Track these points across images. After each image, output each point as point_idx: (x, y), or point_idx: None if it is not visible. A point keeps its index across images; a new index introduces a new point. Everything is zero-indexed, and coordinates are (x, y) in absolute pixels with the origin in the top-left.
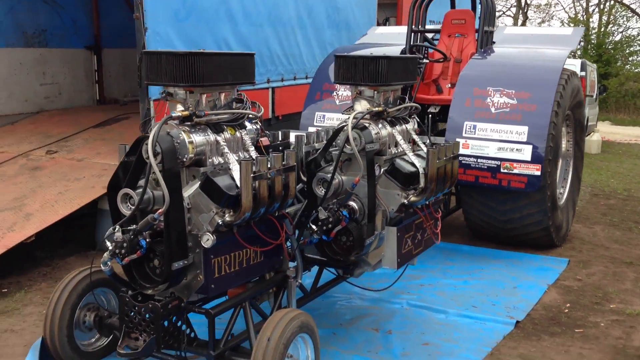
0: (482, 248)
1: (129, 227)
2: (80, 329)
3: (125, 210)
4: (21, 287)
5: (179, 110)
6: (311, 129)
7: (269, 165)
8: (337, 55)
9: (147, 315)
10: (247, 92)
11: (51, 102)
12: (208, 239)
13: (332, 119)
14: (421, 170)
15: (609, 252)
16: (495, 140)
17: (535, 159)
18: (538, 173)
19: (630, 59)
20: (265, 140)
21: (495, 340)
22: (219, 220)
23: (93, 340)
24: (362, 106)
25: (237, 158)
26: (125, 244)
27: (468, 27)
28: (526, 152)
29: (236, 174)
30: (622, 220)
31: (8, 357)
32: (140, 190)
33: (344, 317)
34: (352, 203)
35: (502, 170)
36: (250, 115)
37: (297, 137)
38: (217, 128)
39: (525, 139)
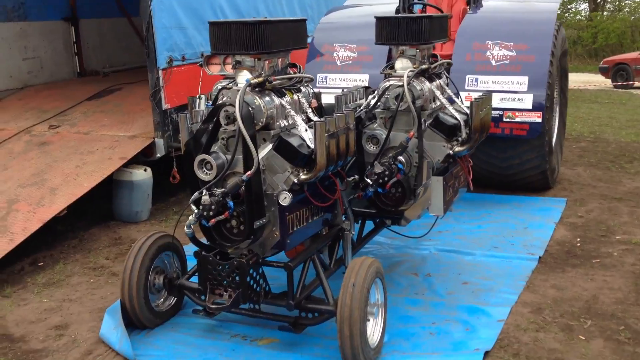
0: (484, 194)
1: (212, 190)
2: (151, 291)
3: (203, 175)
4: (57, 260)
5: (254, 77)
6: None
7: (337, 125)
8: (378, 17)
9: (232, 272)
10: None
11: (34, 77)
12: (285, 197)
13: (335, 80)
14: (462, 122)
15: (597, 190)
16: (497, 92)
17: (536, 106)
18: (539, 120)
19: (569, 6)
20: (314, 102)
21: (525, 275)
22: (295, 179)
23: (162, 300)
24: (403, 64)
25: (302, 119)
26: (213, 206)
27: None
28: (527, 101)
29: (305, 135)
30: (599, 160)
31: (78, 323)
32: (215, 154)
33: (382, 265)
34: (400, 157)
35: (504, 119)
36: (306, 79)
37: (336, 97)
38: (280, 92)
39: (525, 89)
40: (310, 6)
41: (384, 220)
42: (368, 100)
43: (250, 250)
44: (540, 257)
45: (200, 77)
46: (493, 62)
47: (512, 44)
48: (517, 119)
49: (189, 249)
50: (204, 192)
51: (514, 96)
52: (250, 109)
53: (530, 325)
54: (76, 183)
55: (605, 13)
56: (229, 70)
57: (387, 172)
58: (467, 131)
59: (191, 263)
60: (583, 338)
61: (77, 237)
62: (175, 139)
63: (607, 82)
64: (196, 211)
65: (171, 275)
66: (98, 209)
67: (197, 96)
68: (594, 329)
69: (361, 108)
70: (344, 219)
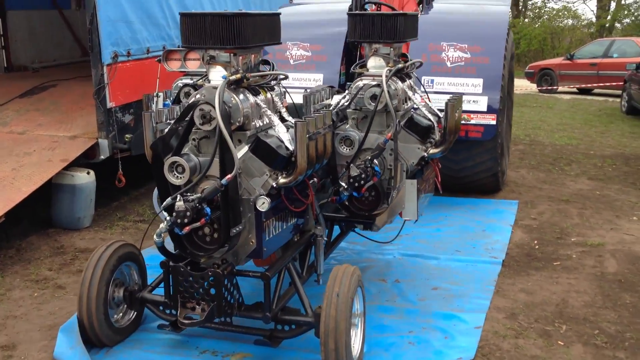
0: (439, 197)
1: (189, 196)
2: (110, 306)
3: (174, 179)
4: None
5: (231, 73)
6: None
7: (316, 125)
8: (351, 13)
9: (205, 284)
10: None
11: None
12: (264, 202)
13: (288, 79)
14: (435, 123)
15: (543, 192)
16: (453, 93)
17: (491, 109)
18: (494, 122)
19: None
20: (285, 102)
21: (492, 279)
22: (273, 183)
23: (121, 315)
24: (377, 63)
25: (277, 119)
26: (188, 213)
27: None
28: (482, 103)
29: (284, 136)
30: (539, 163)
31: (27, 342)
32: (186, 156)
33: None
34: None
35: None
36: (280, 77)
37: (305, 97)
38: (254, 90)
39: (480, 91)
40: (254, 3)
41: (353, 224)
42: (339, 100)
43: (224, 259)
44: (503, 261)
45: (158, 73)
46: (448, 64)
47: (466, 45)
48: (472, 121)
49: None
50: (178, 198)
51: (469, 98)
52: (227, 107)
53: (508, 331)
54: (13, 187)
55: (526, 20)
56: (190, 66)
57: (363, 175)
58: (441, 133)
59: (151, 274)
60: (562, 344)
61: (13, 247)
62: (121, 140)
63: (533, 87)
64: (168, 218)
65: (132, 287)
66: (34, 214)
67: (155, 94)
68: (570, 333)
69: (331, 108)
70: (314, 224)
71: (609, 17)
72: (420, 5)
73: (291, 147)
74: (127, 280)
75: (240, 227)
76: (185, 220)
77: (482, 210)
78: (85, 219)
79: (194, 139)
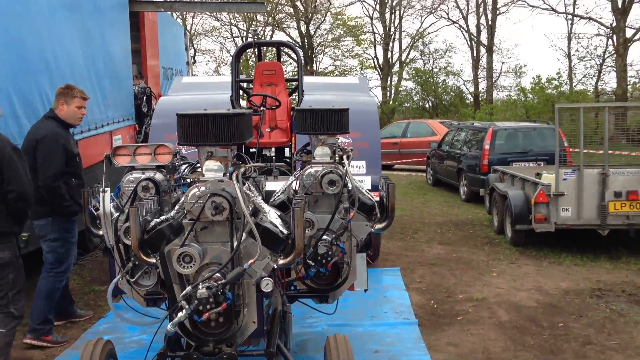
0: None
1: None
2: None
3: (183, 269)
4: None
5: (232, 166)
6: None
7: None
8: (299, 109)
9: None
10: None
11: None
12: (268, 284)
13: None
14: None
15: (411, 259)
16: None
17: (374, 187)
18: (377, 199)
19: None
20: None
21: (418, 337)
22: (274, 265)
23: None
24: (324, 151)
25: (266, 205)
26: (211, 299)
27: (278, 77)
28: (367, 182)
29: (275, 221)
30: (391, 233)
31: None
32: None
33: (292, 344)
34: (326, 237)
35: None
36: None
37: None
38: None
39: (364, 171)
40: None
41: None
42: (288, 185)
43: (229, 342)
44: (417, 321)
45: (104, 169)
46: None
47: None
48: None
49: None
50: (199, 287)
51: (355, 178)
52: (232, 198)
53: None
54: None
55: None
56: (140, 161)
57: (329, 253)
58: (385, 210)
59: None
60: None
61: None
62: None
63: None
64: (187, 307)
65: None
66: None
67: (102, 189)
68: None
69: (278, 193)
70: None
71: (390, 103)
72: (295, 96)
73: (285, 231)
74: None
75: (247, 309)
76: (207, 307)
77: (372, 278)
78: None
79: (194, 230)
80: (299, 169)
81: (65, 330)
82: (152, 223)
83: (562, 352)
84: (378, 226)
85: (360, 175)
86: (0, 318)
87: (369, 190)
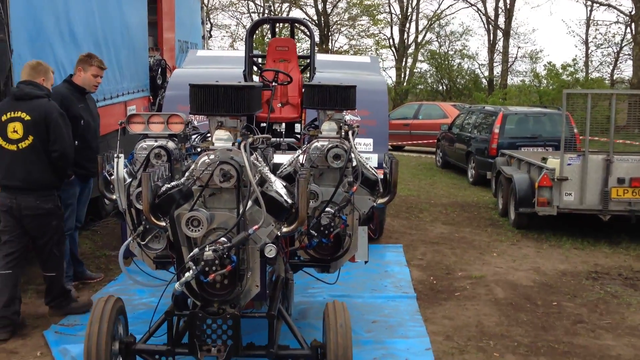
0: None
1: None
2: None
3: (191, 232)
4: None
5: (240, 136)
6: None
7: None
8: (308, 84)
9: (224, 326)
10: None
11: None
12: (271, 250)
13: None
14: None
15: (415, 237)
16: None
17: (380, 164)
18: (381, 176)
19: None
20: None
21: (416, 310)
22: (278, 232)
23: None
24: (331, 126)
25: (272, 175)
26: (217, 261)
27: (291, 54)
28: (374, 160)
29: (281, 190)
30: (396, 212)
31: None
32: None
33: (294, 313)
34: (329, 209)
35: None
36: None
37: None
38: (251, 151)
39: (372, 149)
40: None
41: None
42: (295, 158)
43: (233, 303)
44: (416, 295)
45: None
46: None
47: (355, 110)
48: None
49: None
50: (206, 249)
51: (362, 155)
52: (239, 166)
53: (453, 350)
54: None
55: None
56: (153, 129)
57: (332, 224)
58: (387, 186)
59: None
60: (497, 355)
61: None
62: None
63: None
64: (194, 268)
65: (129, 339)
66: None
67: (116, 155)
68: (499, 347)
69: (285, 165)
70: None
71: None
72: (303, 73)
73: (289, 200)
74: (119, 333)
75: (251, 272)
76: (213, 268)
77: (375, 254)
78: None
79: (202, 195)
80: (307, 142)
81: (77, 293)
82: (163, 188)
83: (553, 329)
84: (380, 200)
85: (367, 153)
86: (46, 258)
87: (375, 167)
